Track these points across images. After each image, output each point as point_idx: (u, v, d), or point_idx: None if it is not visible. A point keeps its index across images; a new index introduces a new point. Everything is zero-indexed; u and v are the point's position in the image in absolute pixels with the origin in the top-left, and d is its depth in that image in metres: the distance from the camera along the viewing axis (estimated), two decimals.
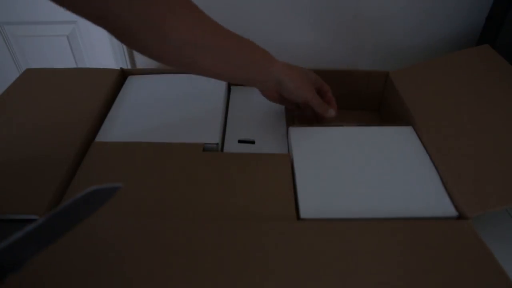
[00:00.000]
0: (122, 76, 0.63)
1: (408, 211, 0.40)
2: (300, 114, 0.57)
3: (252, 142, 0.52)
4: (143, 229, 0.38)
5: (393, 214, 0.40)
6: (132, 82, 0.62)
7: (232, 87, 0.63)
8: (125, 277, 0.34)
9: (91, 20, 0.36)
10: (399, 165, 0.45)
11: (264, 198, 0.41)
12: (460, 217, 0.39)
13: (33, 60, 0.86)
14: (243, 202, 0.41)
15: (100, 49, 0.81)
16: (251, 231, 0.37)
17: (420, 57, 0.75)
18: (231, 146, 0.51)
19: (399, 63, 0.72)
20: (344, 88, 0.64)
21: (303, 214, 0.40)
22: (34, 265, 0.33)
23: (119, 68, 0.63)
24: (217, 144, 0.49)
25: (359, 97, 0.66)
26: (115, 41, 0.78)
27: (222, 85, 0.60)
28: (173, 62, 0.42)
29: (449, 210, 0.40)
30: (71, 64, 0.85)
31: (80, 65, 0.86)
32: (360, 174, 0.44)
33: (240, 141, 0.52)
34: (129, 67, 0.82)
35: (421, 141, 0.48)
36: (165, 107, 0.56)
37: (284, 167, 0.45)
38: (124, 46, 0.78)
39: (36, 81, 0.60)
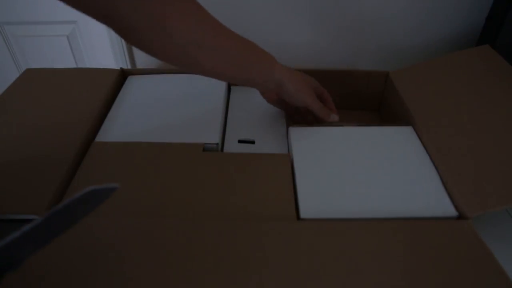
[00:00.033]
0: (122, 76, 0.63)
1: (408, 211, 0.40)
2: (300, 119, 0.57)
3: (252, 142, 0.52)
4: (143, 229, 0.38)
5: (393, 214, 0.40)
6: (132, 82, 0.62)
7: (232, 87, 0.63)
8: (125, 277, 0.34)
9: (97, 19, 0.37)
10: (399, 165, 0.45)
11: (264, 198, 0.41)
12: (460, 217, 0.39)
13: (33, 60, 0.86)
14: (243, 202, 0.41)
15: (100, 49, 0.81)
16: (251, 231, 0.37)
17: (420, 57, 0.75)
18: (231, 146, 0.51)
19: (399, 63, 0.72)
20: (344, 88, 0.64)
21: (303, 214, 0.40)
22: (33, 265, 0.33)
23: (119, 68, 0.63)
24: (217, 144, 0.49)
25: (359, 97, 0.66)
26: (115, 41, 0.78)
27: (222, 85, 0.60)
28: (177, 61, 0.42)
29: (449, 210, 0.40)
30: (71, 64, 0.85)
31: (80, 65, 0.86)
32: (360, 174, 0.44)
33: (240, 141, 0.52)
34: (129, 67, 0.82)
35: (421, 141, 0.48)
36: (165, 107, 0.56)
37: (284, 167, 0.45)
38: (124, 46, 0.79)
39: (36, 81, 0.60)
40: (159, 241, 0.36)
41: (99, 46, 0.81)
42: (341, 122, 0.52)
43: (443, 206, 0.40)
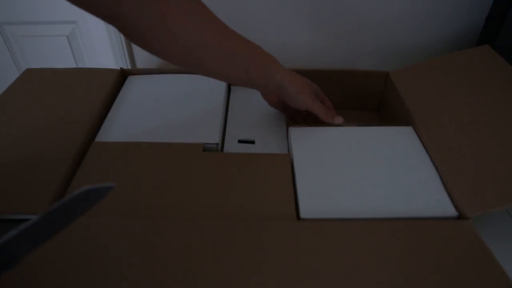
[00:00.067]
0: (122, 76, 0.63)
1: (408, 211, 0.40)
2: (301, 122, 0.56)
3: (252, 142, 0.52)
4: (142, 229, 0.38)
5: (393, 214, 0.40)
6: (132, 82, 0.62)
7: (232, 87, 0.63)
8: (125, 277, 0.33)
9: (103, 19, 0.37)
10: (399, 165, 0.45)
11: (264, 198, 0.41)
12: (460, 217, 0.39)
13: (33, 60, 0.86)
14: (243, 202, 0.41)
15: (100, 49, 0.81)
16: (251, 231, 0.37)
17: (420, 57, 0.75)
18: (231, 146, 0.51)
19: (399, 63, 0.72)
20: (344, 88, 0.64)
21: (303, 214, 0.40)
22: (32, 264, 0.33)
23: (119, 68, 0.63)
24: (217, 144, 0.49)
25: (359, 97, 0.66)
26: (115, 41, 0.78)
27: (222, 85, 0.60)
28: (181, 62, 0.42)
29: (449, 210, 0.40)
30: (71, 64, 0.85)
31: (80, 65, 0.86)
32: (360, 174, 0.44)
33: (240, 141, 0.52)
34: (129, 67, 0.81)
35: (421, 141, 0.48)
36: (165, 107, 0.56)
37: (284, 167, 0.45)
38: (124, 46, 0.79)
39: (36, 81, 0.60)
40: (159, 241, 0.36)
41: (99, 46, 0.81)
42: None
43: (443, 206, 0.40)
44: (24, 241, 0.24)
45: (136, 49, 0.80)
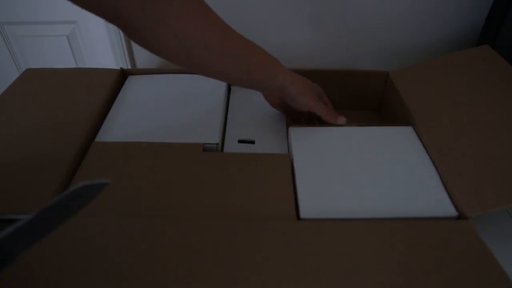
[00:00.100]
0: (122, 76, 0.63)
1: (408, 211, 0.40)
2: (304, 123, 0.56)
3: (252, 142, 0.52)
4: (142, 229, 0.38)
5: (393, 214, 0.40)
6: (132, 82, 0.62)
7: (232, 87, 0.63)
8: (125, 277, 0.33)
9: (105, 19, 0.37)
10: (399, 165, 0.45)
11: (264, 198, 0.41)
12: (460, 217, 0.39)
13: (33, 60, 0.86)
14: (243, 202, 0.41)
15: (100, 49, 0.81)
16: (251, 231, 0.37)
17: (420, 57, 0.75)
18: (231, 146, 0.51)
19: (399, 63, 0.72)
20: (344, 88, 0.64)
21: (303, 214, 0.40)
22: (30, 264, 0.33)
23: (119, 68, 0.63)
24: (217, 144, 0.49)
25: (359, 97, 0.66)
26: (115, 41, 0.78)
27: (222, 85, 0.60)
28: (183, 62, 0.42)
29: (449, 210, 0.40)
30: (71, 64, 0.85)
31: (80, 65, 0.86)
32: (360, 174, 0.44)
33: (240, 141, 0.52)
34: (129, 67, 0.81)
35: (421, 141, 0.48)
36: (165, 107, 0.56)
37: (284, 167, 0.45)
38: (124, 46, 0.79)
39: (36, 81, 0.60)
40: (159, 241, 0.36)
41: (99, 46, 0.81)
42: None
43: (443, 206, 0.40)
44: (21, 238, 0.24)
45: (136, 49, 0.80)
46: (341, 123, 0.51)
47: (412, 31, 0.73)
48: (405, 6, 0.69)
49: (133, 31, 0.38)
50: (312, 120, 0.55)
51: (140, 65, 0.82)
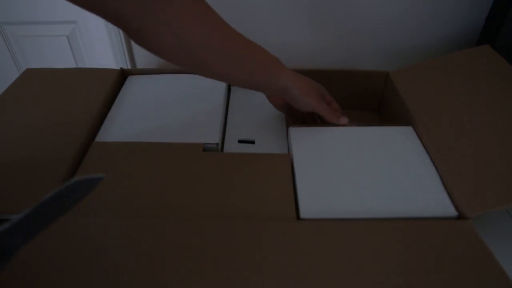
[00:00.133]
0: (122, 76, 0.63)
1: (408, 211, 0.40)
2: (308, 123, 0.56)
3: (252, 142, 0.52)
4: (142, 229, 0.38)
5: (393, 214, 0.40)
6: (132, 82, 0.62)
7: (232, 87, 0.63)
8: (125, 277, 0.33)
9: (107, 20, 0.37)
10: (399, 165, 0.45)
11: (264, 198, 0.41)
12: (460, 217, 0.39)
13: (33, 60, 0.86)
14: (243, 202, 0.41)
15: (100, 49, 0.81)
16: (251, 231, 0.37)
17: (420, 57, 0.75)
18: (231, 146, 0.51)
19: (399, 63, 0.72)
20: (344, 88, 0.64)
21: (303, 214, 0.40)
22: (30, 263, 0.33)
23: (119, 68, 0.63)
24: (217, 144, 0.49)
25: (359, 97, 0.66)
26: (115, 41, 0.78)
27: (222, 85, 0.60)
28: (185, 64, 0.42)
29: (449, 210, 0.40)
30: (71, 64, 0.85)
31: (80, 65, 0.86)
32: (360, 174, 0.44)
33: (240, 141, 0.52)
34: (129, 67, 0.81)
35: (421, 141, 0.48)
36: (165, 107, 0.56)
37: (284, 167, 0.45)
38: (124, 46, 0.79)
39: (36, 81, 0.60)
40: (159, 241, 0.36)
41: (99, 46, 0.81)
42: None
43: (443, 206, 0.40)
44: (17, 234, 0.25)
45: (136, 49, 0.80)
46: (343, 123, 0.51)
47: (412, 31, 0.72)
48: (405, 6, 0.69)
49: (134, 32, 0.38)
50: (314, 120, 0.55)
51: (140, 65, 0.82)
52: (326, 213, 0.40)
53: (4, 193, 0.41)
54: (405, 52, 0.75)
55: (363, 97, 0.66)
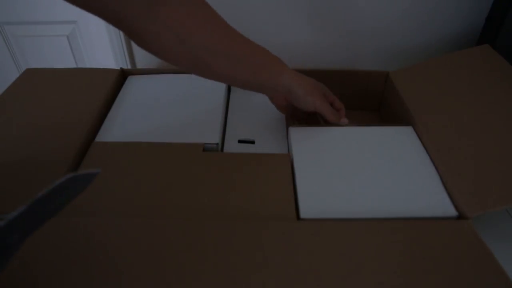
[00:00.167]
0: (122, 76, 0.63)
1: (408, 211, 0.40)
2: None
3: (252, 142, 0.52)
4: (142, 229, 0.37)
5: (393, 214, 0.40)
6: (132, 82, 0.62)
7: (232, 87, 0.63)
8: (125, 277, 0.33)
9: (110, 23, 0.37)
10: (399, 165, 0.45)
11: (264, 198, 0.41)
12: (460, 217, 0.39)
13: (33, 60, 0.86)
14: (243, 202, 0.41)
15: (100, 49, 0.81)
16: (251, 231, 0.37)
17: (420, 57, 0.75)
18: (231, 146, 0.51)
19: (399, 63, 0.72)
20: (344, 88, 0.64)
21: (303, 214, 0.40)
22: (31, 264, 0.33)
23: (119, 68, 0.63)
24: (217, 144, 0.49)
25: (359, 97, 0.66)
26: (115, 41, 0.78)
27: (222, 85, 0.60)
28: (186, 65, 0.42)
29: (449, 210, 0.40)
30: (71, 64, 0.85)
31: (80, 65, 0.86)
32: (360, 174, 0.44)
33: (240, 141, 0.52)
34: (129, 67, 0.81)
35: (421, 141, 0.48)
36: (165, 107, 0.56)
37: (284, 167, 0.45)
38: (124, 46, 0.79)
39: (36, 81, 0.60)
40: (159, 241, 0.36)
41: (99, 46, 0.81)
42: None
43: (443, 206, 0.40)
44: (13, 231, 0.24)
45: (136, 49, 0.80)
46: (343, 124, 0.51)
47: (412, 31, 0.72)
48: (405, 6, 0.69)
49: (137, 36, 0.38)
50: (317, 120, 0.54)
51: (140, 65, 0.82)
52: (326, 213, 0.40)
53: (4, 193, 0.41)
54: (405, 52, 0.75)
55: (363, 97, 0.66)
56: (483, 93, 0.51)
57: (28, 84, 0.59)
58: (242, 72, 0.44)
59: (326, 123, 0.51)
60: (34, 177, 0.43)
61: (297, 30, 0.73)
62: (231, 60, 0.42)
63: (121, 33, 0.77)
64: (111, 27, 0.76)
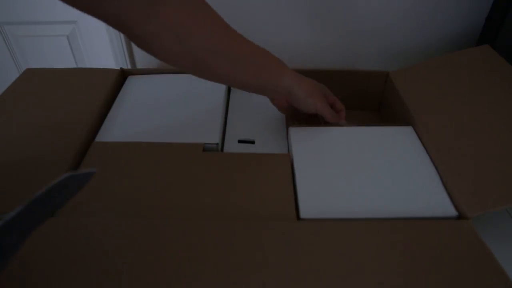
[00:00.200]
0: (122, 76, 0.63)
1: (408, 211, 0.40)
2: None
3: (252, 142, 0.52)
4: (142, 229, 0.37)
5: (393, 214, 0.40)
6: (132, 82, 0.62)
7: (232, 87, 0.63)
8: (125, 277, 0.33)
9: (111, 25, 0.37)
10: (399, 165, 0.45)
11: (264, 198, 0.41)
12: (460, 217, 0.39)
13: (33, 60, 0.86)
14: (243, 202, 0.41)
15: (100, 49, 0.81)
16: (251, 231, 0.37)
17: (420, 57, 0.75)
18: (231, 146, 0.51)
19: (399, 63, 0.72)
20: (344, 88, 0.64)
21: (303, 214, 0.40)
22: (31, 265, 0.33)
23: (119, 68, 0.63)
24: (217, 144, 0.49)
25: (359, 97, 0.66)
26: (115, 41, 0.78)
27: (222, 85, 0.60)
28: (188, 66, 0.42)
29: (449, 210, 0.40)
30: (71, 64, 0.85)
31: (80, 65, 0.86)
32: (360, 174, 0.44)
33: (240, 141, 0.52)
34: (129, 67, 0.82)
35: (421, 141, 0.48)
36: (165, 107, 0.56)
37: (284, 167, 0.45)
38: (124, 46, 0.79)
39: (36, 81, 0.60)
40: (159, 241, 0.36)
41: (99, 46, 0.81)
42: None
43: (443, 206, 0.40)
44: (11, 232, 0.24)
45: (136, 49, 0.80)
46: (342, 125, 0.51)
47: (412, 31, 0.73)
48: (405, 6, 0.69)
49: (136, 37, 0.38)
50: (318, 122, 0.54)
51: (140, 65, 0.82)
52: (326, 213, 0.40)
53: (4, 193, 0.41)
54: (405, 52, 0.75)
55: (363, 97, 0.66)
56: (483, 93, 0.51)
57: (28, 84, 0.59)
58: (242, 73, 0.44)
59: (326, 123, 0.51)
60: (34, 177, 0.43)
61: (297, 30, 0.73)
62: (231, 60, 0.42)
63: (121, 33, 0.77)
64: (111, 27, 0.76)
